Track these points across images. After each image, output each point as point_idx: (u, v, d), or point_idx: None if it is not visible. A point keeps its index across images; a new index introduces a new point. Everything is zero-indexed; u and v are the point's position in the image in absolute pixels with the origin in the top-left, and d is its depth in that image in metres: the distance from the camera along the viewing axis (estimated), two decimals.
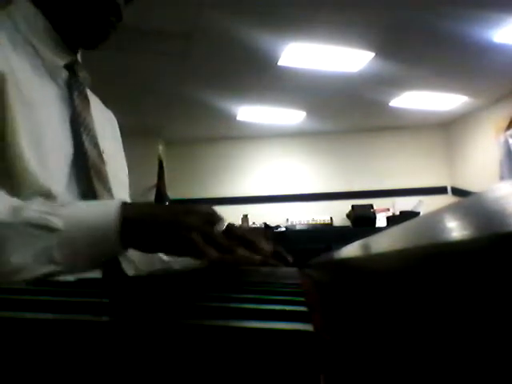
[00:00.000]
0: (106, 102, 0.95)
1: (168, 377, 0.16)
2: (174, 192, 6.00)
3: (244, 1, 3.10)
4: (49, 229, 0.54)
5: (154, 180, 5.75)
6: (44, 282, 0.49)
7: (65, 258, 0.54)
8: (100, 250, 0.56)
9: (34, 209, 0.55)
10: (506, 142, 4.95)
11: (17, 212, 0.54)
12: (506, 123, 5.08)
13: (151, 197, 5.61)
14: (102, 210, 0.57)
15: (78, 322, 0.17)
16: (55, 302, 0.24)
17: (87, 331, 0.17)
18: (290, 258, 0.81)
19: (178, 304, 0.23)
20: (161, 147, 6.06)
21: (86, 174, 0.73)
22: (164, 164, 5.91)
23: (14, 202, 0.57)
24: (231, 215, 6.03)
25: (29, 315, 0.19)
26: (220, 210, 0.61)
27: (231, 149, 6.48)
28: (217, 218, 0.62)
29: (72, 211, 0.57)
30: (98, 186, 0.73)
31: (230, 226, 0.65)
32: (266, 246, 0.69)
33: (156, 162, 5.81)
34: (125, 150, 0.98)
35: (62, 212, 0.55)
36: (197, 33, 3.49)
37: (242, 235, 0.65)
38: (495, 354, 0.11)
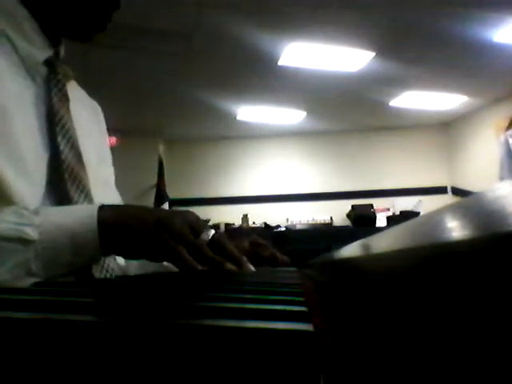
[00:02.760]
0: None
1: (168, 377, 0.16)
2: (174, 192, 6.00)
3: (244, 1, 3.10)
4: (24, 241, 0.50)
5: (154, 180, 5.75)
6: (42, 283, 0.49)
7: (43, 269, 0.50)
8: (79, 257, 0.53)
9: (6, 220, 0.51)
10: (506, 141, 4.94)
11: None
12: (506, 123, 5.08)
13: (151, 197, 5.61)
14: (80, 216, 0.54)
15: (71, 323, 0.17)
16: (51, 302, 0.24)
17: (85, 331, 0.17)
18: (286, 260, 0.77)
19: (177, 304, 0.23)
20: (161, 147, 6.06)
21: (61, 178, 0.67)
22: (164, 164, 5.91)
23: None
24: (231, 215, 6.05)
25: (22, 315, 0.19)
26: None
27: (231, 149, 6.48)
28: (202, 226, 0.58)
29: (47, 219, 0.53)
30: (72, 191, 0.67)
31: (216, 238, 0.59)
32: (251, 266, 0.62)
33: (156, 162, 5.81)
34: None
35: (36, 221, 0.52)
36: (197, 33, 3.49)
37: (230, 252, 0.58)
38: (495, 354, 0.11)
